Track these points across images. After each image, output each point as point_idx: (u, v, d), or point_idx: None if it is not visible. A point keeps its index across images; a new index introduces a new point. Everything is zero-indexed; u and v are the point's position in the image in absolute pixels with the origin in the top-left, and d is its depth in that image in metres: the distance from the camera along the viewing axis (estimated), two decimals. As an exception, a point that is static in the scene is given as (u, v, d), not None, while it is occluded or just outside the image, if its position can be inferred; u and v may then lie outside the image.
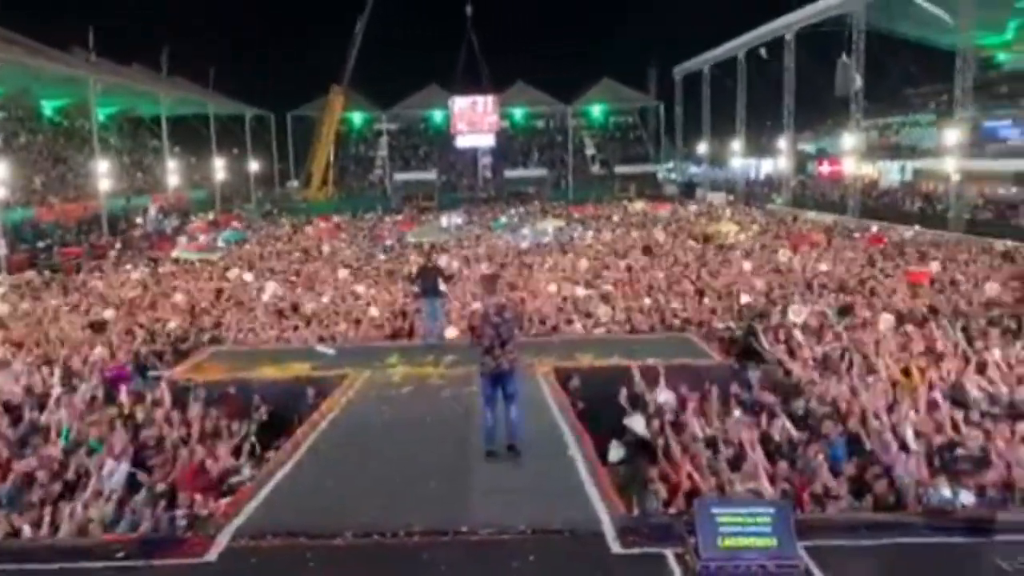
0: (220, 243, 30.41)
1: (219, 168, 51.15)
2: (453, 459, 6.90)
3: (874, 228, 29.05)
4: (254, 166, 56.13)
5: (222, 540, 5.37)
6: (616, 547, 5.19)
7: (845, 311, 13.02)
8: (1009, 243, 23.17)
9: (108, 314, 15.11)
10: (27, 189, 34.89)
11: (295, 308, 15.78)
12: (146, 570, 5.04)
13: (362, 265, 22.39)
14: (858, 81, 33.23)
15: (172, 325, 14.13)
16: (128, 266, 25.20)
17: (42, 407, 9.09)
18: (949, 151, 31.39)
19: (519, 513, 5.67)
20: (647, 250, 23.23)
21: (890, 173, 43.28)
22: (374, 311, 14.58)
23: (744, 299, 14.24)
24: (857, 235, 27.08)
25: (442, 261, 18.34)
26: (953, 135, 30.83)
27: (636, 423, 7.86)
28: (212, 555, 5.20)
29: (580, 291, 15.71)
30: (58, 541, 5.88)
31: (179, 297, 17.31)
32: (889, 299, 14.29)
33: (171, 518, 5.42)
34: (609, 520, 5.55)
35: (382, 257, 24.77)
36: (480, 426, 7.07)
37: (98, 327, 13.71)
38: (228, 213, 47.68)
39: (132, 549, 5.21)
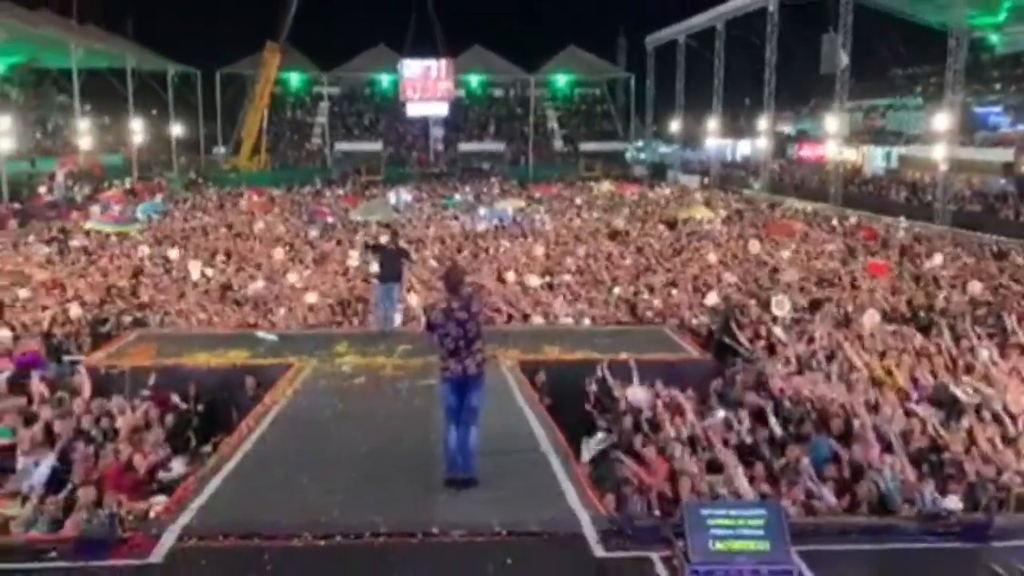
0: (139, 215, 29.81)
1: (137, 130, 49.84)
2: (415, 456, 6.95)
3: (852, 219, 29.83)
4: (177, 129, 54.87)
5: (167, 540, 5.37)
6: (599, 550, 5.32)
7: (816, 305, 13.39)
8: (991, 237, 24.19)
9: (23, 293, 14.75)
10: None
11: (227, 289, 15.65)
12: (82, 572, 5.02)
13: (300, 245, 22.20)
14: (844, 59, 33.97)
15: (77, 310, 13.79)
16: (32, 238, 24.54)
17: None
18: (937, 138, 32.30)
19: (492, 513, 5.76)
20: (614, 236, 23.50)
21: (874, 159, 44.38)
22: (311, 298, 14.49)
23: (711, 299, 14.47)
24: (835, 224, 27.81)
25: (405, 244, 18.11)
26: (942, 121, 31.71)
27: (638, 393, 7.99)
28: (156, 556, 5.20)
29: (534, 280, 15.80)
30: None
31: (95, 274, 17.00)
32: (871, 295, 14.76)
33: (111, 515, 5.37)
34: (590, 521, 5.69)
35: (314, 234, 24.67)
36: (443, 446, 6.54)
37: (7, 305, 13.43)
38: (147, 181, 46.65)
39: (66, 549, 5.18)
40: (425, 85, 55.01)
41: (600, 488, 6.92)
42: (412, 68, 54.69)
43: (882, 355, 10.60)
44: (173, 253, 19.52)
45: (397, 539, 5.41)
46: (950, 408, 8.97)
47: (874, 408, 8.74)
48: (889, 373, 10.09)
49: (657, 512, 6.46)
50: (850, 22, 33.96)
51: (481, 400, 6.57)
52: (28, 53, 46.20)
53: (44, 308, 13.52)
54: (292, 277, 16.77)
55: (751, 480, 7.21)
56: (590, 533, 5.51)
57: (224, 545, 5.32)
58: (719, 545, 4.79)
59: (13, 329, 12.03)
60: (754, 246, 20.66)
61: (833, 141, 38.40)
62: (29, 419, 8.33)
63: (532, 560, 5.23)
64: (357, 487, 6.39)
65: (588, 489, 6.33)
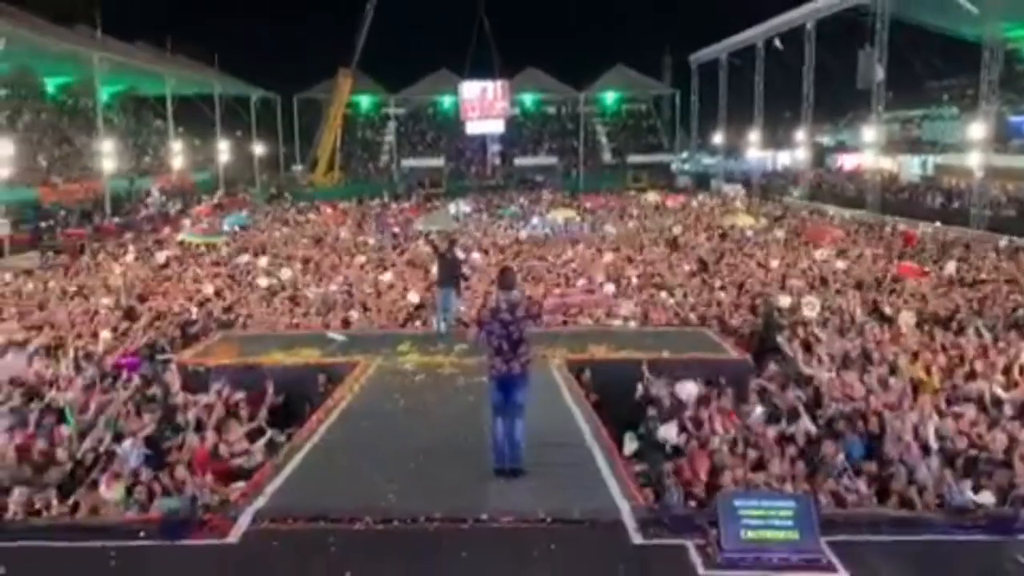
0: (225, 227, 30.58)
1: (223, 150, 51.17)
2: (469, 448, 6.98)
3: (901, 226, 29.02)
4: (259, 149, 56.07)
5: (243, 522, 5.49)
6: (637, 537, 5.28)
7: (884, 319, 12.99)
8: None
9: (126, 301, 15.28)
10: (31, 168, 35.04)
11: (302, 295, 15.95)
12: (167, 550, 5.18)
13: (374, 253, 22.51)
14: (880, 73, 33.09)
15: (178, 309, 14.27)
16: (131, 248, 25.35)
17: (54, 388, 9.26)
18: (973, 146, 31.29)
19: (538, 502, 5.76)
20: (673, 244, 23.27)
21: (911, 168, 43.14)
22: (413, 297, 14.81)
23: (784, 300, 14.19)
24: (888, 230, 27.11)
25: (461, 253, 18.18)
26: (977, 129, 30.73)
27: (669, 432, 7.95)
28: (233, 537, 5.33)
29: (610, 287, 15.71)
30: (79, 520, 6.02)
31: (186, 281, 17.49)
32: (911, 298, 14.35)
33: (192, 498, 5.55)
34: (629, 510, 5.64)
35: (374, 241, 25.00)
36: (490, 439, 6.60)
37: (129, 312, 13.88)
38: (233, 196, 47.82)
39: (153, 529, 5.35)
40: (483, 105, 55.44)
41: (643, 481, 6.88)
42: (471, 89, 55.21)
43: (914, 355, 10.30)
44: (259, 261, 19.97)
45: (449, 524, 5.45)
46: (988, 407, 8.68)
47: (910, 407, 8.49)
48: (927, 373, 9.80)
49: (693, 503, 6.40)
50: (885, 38, 33.09)
51: (525, 397, 6.56)
52: (128, 83, 47.89)
53: (139, 312, 13.94)
54: (387, 277, 17.20)
55: (791, 475, 7.07)
56: (629, 522, 5.47)
57: (293, 528, 5.41)
58: (750, 534, 4.73)
59: (115, 330, 12.47)
60: (821, 254, 20.21)
61: (870, 151, 37.49)
62: (128, 411, 8.60)
63: (574, 546, 5.21)
64: (415, 476, 6.44)
65: (629, 481, 6.28)
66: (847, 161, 47.87)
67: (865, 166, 39.08)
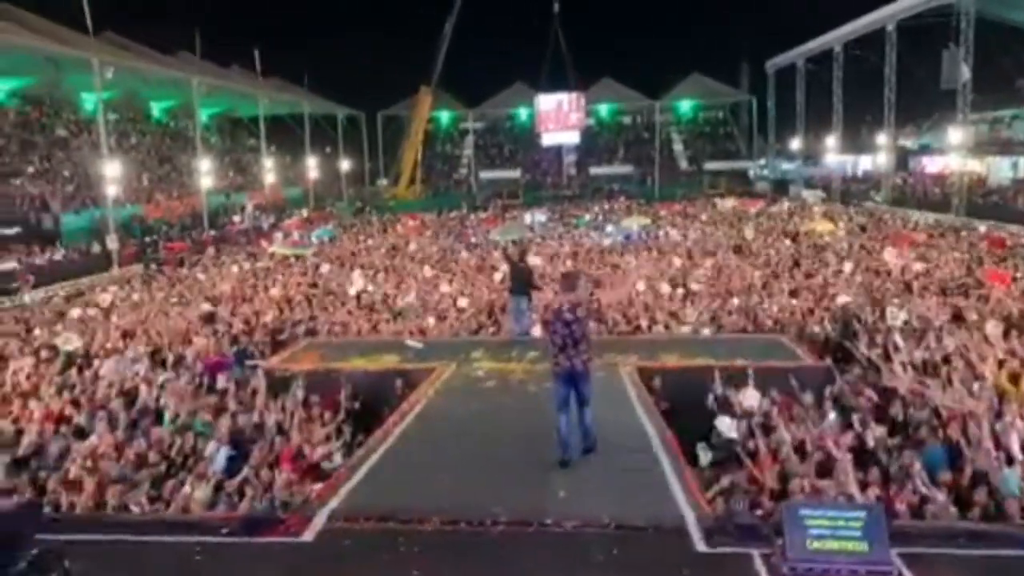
0: (313, 240, 31.46)
1: (312, 167, 52.68)
2: (537, 453, 6.94)
3: (981, 228, 27.55)
4: (345, 165, 57.50)
5: (318, 521, 5.62)
6: (701, 546, 5.16)
7: (957, 319, 12.38)
8: None
9: (221, 309, 15.87)
10: (136, 187, 36.93)
11: (384, 303, 16.22)
12: (248, 546, 5.35)
13: (447, 262, 22.71)
14: (966, 73, 31.58)
15: (268, 317, 14.71)
16: (225, 259, 26.35)
17: (151, 392, 9.69)
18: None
19: (602, 508, 5.70)
20: (738, 249, 22.78)
21: (1000, 170, 40.87)
22: (463, 302, 14.82)
23: (841, 299, 13.75)
24: (964, 234, 25.79)
25: (533, 261, 18.11)
26: (1072, 129, 28.93)
27: (723, 424, 7.77)
28: (309, 535, 5.45)
29: (665, 288, 15.53)
30: (166, 516, 6.28)
31: (275, 291, 18.04)
32: (998, 303, 13.59)
33: (272, 498, 5.71)
34: (694, 518, 5.52)
35: (464, 255, 25.09)
36: (555, 433, 6.72)
37: (207, 318, 14.42)
38: (321, 211, 49.21)
39: (235, 526, 5.53)
40: (559, 116, 55.56)
41: (713, 489, 6.71)
42: (547, 102, 55.45)
43: (1000, 363, 9.74)
44: (341, 271, 20.42)
45: (515, 527, 5.44)
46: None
47: (996, 415, 8.03)
48: (1015, 381, 9.25)
49: (768, 512, 6.20)
50: (971, 37, 31.53)
51: (590, 391, 6.71)
52: (225, 105, 49.94)
53: (232, 320, 14.46)
54: (444, 288, 17.12)
55: (864, 484, 6.79)
56: (694, 529, 5.35)
57: (365, 527, 5.50)
58: (816, 544, 4.54)
59: (215, 333, 12.97)
60: (888, 254, 19.41)
61: (956, 153, 35.74)
62: (218, 413, 8.93)
63: (637, 552, 5.13)
64: (483, 478, 6.46)
65: (695, 488, 6.14)
66: (931, 164, 45.76)
67: (950, 168, 37.23)
